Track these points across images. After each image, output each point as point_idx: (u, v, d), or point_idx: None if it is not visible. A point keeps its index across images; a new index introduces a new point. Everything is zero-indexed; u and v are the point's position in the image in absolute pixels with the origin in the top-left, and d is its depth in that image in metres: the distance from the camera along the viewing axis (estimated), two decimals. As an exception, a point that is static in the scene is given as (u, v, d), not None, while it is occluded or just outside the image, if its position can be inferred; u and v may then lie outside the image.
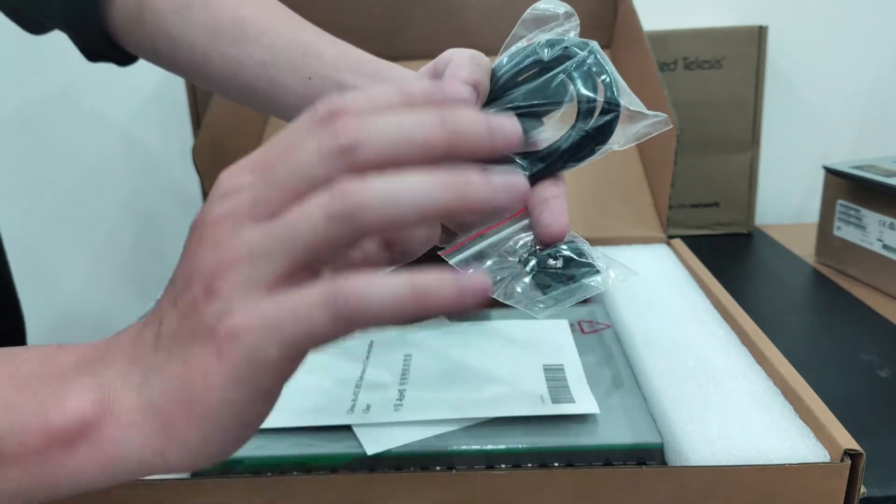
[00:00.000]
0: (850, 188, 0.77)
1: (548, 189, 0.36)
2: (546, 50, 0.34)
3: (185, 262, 0.24)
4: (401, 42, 0.82)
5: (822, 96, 0.99)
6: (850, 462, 0.34)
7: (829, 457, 0.35)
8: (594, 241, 0.65)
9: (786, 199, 1.03)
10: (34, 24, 0.51)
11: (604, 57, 0.34)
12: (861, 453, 0.34)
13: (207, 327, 0.23)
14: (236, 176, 0.24)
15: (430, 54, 0.85)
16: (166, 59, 0.49)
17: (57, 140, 1.02)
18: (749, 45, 0.88)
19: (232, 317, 0.22)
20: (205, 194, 0.73)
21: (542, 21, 0.36)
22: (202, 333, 0.23)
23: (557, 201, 0.36)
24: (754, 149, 0.92)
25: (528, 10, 0.36)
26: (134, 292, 1.08)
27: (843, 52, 0.97)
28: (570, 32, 0.35)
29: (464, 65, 0.35)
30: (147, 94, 1.01)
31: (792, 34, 0.95)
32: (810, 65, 0.97)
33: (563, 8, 0.36)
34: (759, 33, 0.88)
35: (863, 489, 0.35)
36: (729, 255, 0.88)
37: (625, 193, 0.69)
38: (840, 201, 0.79)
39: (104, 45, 0.49)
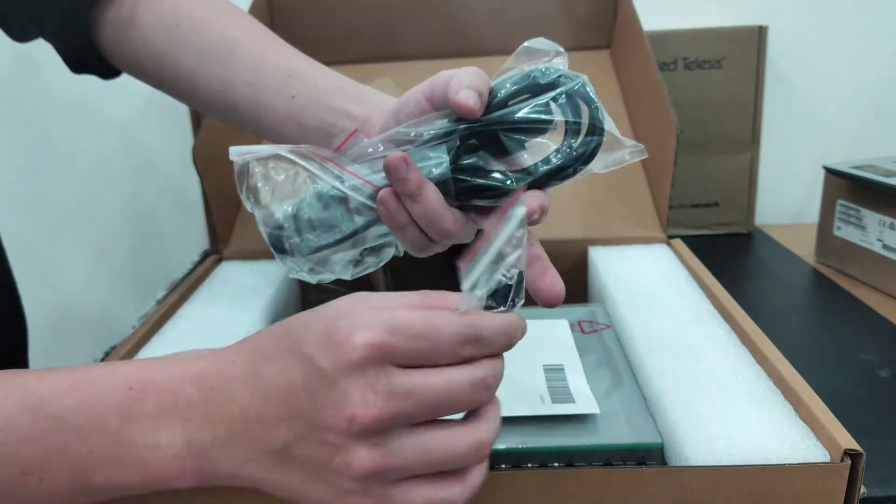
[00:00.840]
0: (850, 188, 0.77)
1: (533, 248, 0.39)
2: (541, 74, 0.37)
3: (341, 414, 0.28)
4: (401, 42, 0.82)
5: (822, 96, 0.98)
6: (850, 462, 0.34)
7: (829, 457, 0.35)
8: (594, 241, 0.65)
9: (786, 199, 1.03)
10: (21, 31, 0.52)
11: (592, 88, 0.37)
12: (861, 453, 0.34)
13: (345, 488, 0.29)
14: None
15: (430, 54, 0.86)
16: (151, 76, 0.49)
17: (57, 140, 1.02)
18: (749, 45, 0.88)
19: (368, 499, 0.29)
20: (205, 194, 0.73)
21: (535, 56, 0.38)
22: (337, 486, 0.29)
23: (542, 263, 0.38)
24: (754, 149, 0.92)
25: (523, 46, 0.38)
26: (134, 292, 1.08)
27: (843, 52, 0.97)
28: (559, 66, 0.38)
29: (468, 75, 0.37)
30: (147, 94, 1.00)
31: (792, 34, 0.95)
32: (810, 65, 0.97)
33: (555, 47, 0.38)
34: (759, 33, 0.88)
35: (863, 489, 0.35)
36: (729, 255, 0.88)
37: (625, 193, 0.69)
38: (840, 201, 0.79)
39: (91, 57, 0.50)
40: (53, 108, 0.99)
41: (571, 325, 0.52)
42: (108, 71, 0.52)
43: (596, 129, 0.36)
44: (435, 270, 0.57)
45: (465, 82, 0.36)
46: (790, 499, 0.35)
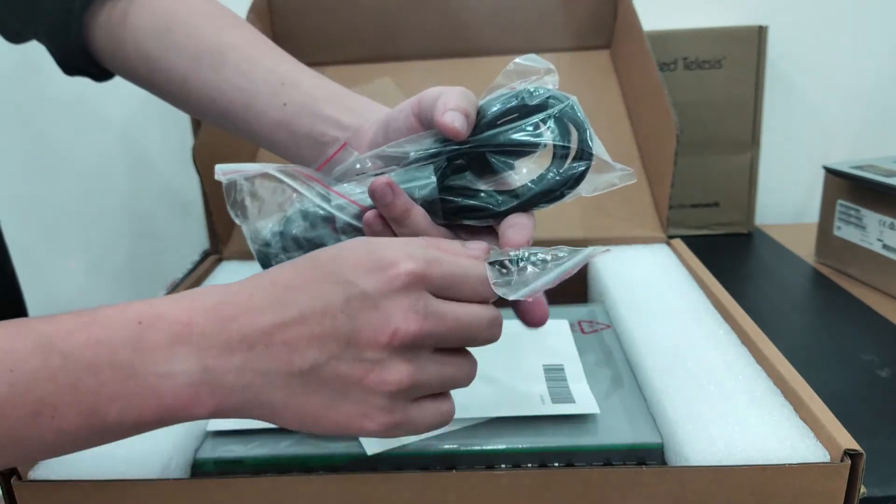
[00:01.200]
0: (850, 188, 0.77)
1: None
2: (529, 96, 0.36)
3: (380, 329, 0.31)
4: (400, 42, 0.82)
5: (822, 96, 0.98)
6: (850, 462, 0.34)
7: (829, 457, 0.35)
8: (594, 241, 0.65)
9: (786, 199, 1.03)
10: (13, 33, 0.52)
11: (582, 110, 0.36)
12: (861, 453, 0.34)
13: (373, 404, 0.31)
14: None
15: (430, 54, 0.86)
16: (144, 79, 0.50)
17: (57, 140, 1.02)
18: (749, 45, 0.88)
19: (392, 415, 0.31)
20: (205, 194, 0.73)
21: (524, 74, 0.37)
22: (365, 402, 0.31)
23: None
24: (754, 149, 0.92)
25: (512, 63, 0.37)
26: (134, 292, 1.08)
27: (843, 52, 0.97)
28: (549, 85, 0.37)
29: (454, 96, 0.37)
30: (147, 95, 1.01)
31: (792, 34, 0.95)
32: (810, 65, 0.97)
33: (545, 65, 0.37)
34: (759, 33, 0.88)
35: (863, 489, 0.35)
36: (729, 255, 0.88)
37: (625, 193, 0.69)
38: (840, 201, 0.79)
39: (83, 60, 0.50)
40: (53, 108, 0.99)
41: (571, 325, 0.52)
42: (101, 73, 0.52)
43: (584, 154, 0.36)
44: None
45: (451, 103, 0.36)
46: (790, 499, 0.35)
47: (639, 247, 0.65)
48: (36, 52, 0.54)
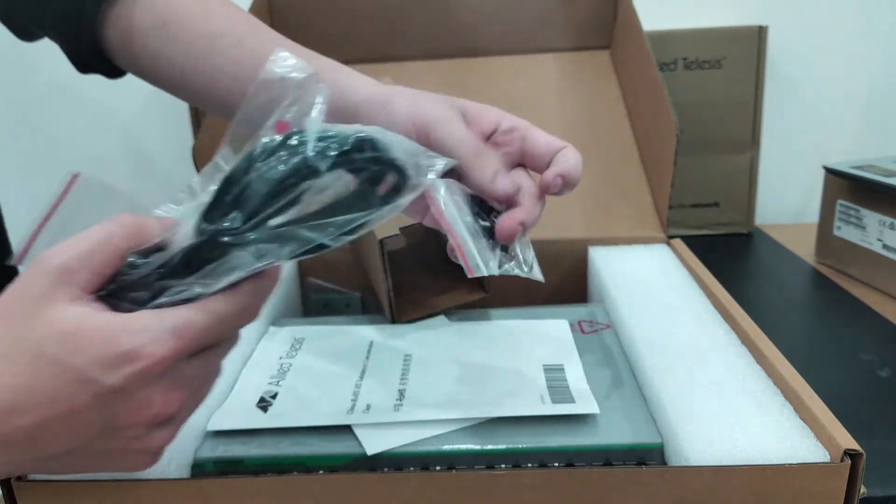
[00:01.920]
0: (850, 188, 0.77)
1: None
2: (320, 155, 0.29)
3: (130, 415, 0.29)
4: (400, 42, 0.82)
5: (822, 96, 0.98)
6: (850, 462, 0.34)
7: (829, 457, 0.35)
8: (594, 241, 0.65)
9: (786, 199, 1.03)
10: (26, 31, 0.52)
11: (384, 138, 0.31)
12: (861, 453, 0.34)
13: (142, 459, 0.32)
14: None
15: (430, 54, 0.86)
16: (150, 75, 0.50)
17: (57, 139, 1.02)
18: (749, 45, 0.88)
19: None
20: (205, 194, 0.73)
21: (281, 87, 0.31)
22: (134, 459, 0.31)
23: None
24: (754, 149, 0.92)
25: (264, 72, 0.31)
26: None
27: (843, 52, 0.97)
28: (316, 107, 0.31)
29: (486, 162, 0.38)
30: (147, 93, 1.01)
31: (792, 34, 0.95)
32: (810, 65, 0.97)
33: (305, 72, 0.31)
34: (759, 33, 0.88)
35: (863, 489, 0.35)
36: (729, 255, 0.88)
37: (625, 193, 0.69)
38: (840, 201, 0.79)
39: (96, 59, 0.50)
40: (54, 107, 0.99)
41: (571, 325, 0.52)
42: (113, 71, 0.52)
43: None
44: (433, 262, 0.57)
45: (489, 171, 0.37)
46: (790, 499, 0.35)
47: (639, 247, 0.65)
48: (36, 52, 0.54)
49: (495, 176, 0.37)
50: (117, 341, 0.28)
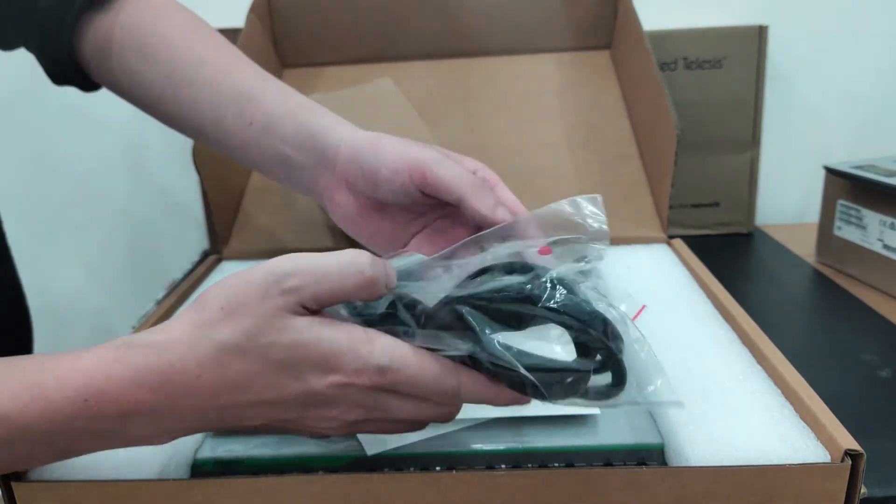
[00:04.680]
0: (851, 188, 0.77)
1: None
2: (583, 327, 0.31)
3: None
4: (400, 42, 0.82)
5: (822, 96, 0.98)
6: (850, 462, 0.34)
7: (829, 457, 0.35)
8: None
9: (786, 199, 1.03)
10: (3, 41, 0.52)
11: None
12: (861, 453, 0.34)
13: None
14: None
15: (431, 54, 0.86)
16: (126, 93, 0.50)
17: (57, 140, 1.02)
18: (749, 45, 0.88)
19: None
20: (205, 194, 0.73)
21: (566, 227, 0.34)
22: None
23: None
24: (754, 149, 0.92)
25: (567, 202, 0.35)
26: (133, 292, 1.08)
27: (843, 52, 0.97)
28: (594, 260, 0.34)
29: (483, 195, 0.40)
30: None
31: (792, 34, 0.95)
32: (810, 65, 0.97)
33: (602, 225, 0.35)
34: (759, 33, 0.88)
35: (863, 489, 0.35)
36: (729, 255, 0.88)
37: (625, 193, 0.69)
38: (840, 201, 0.79)
39: (72, 71, 0.50)
40: (53, 108, 0.99)
41: (571, 325, 0.52)
42: (88, 84, 0.52)
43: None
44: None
45: (488, 202, 0.40)
46: (790, 499, 0.35)
47: (639, 247, 0.65)
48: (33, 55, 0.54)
49: (496, 207, 0.40)
50: (336, 356, 0.31)
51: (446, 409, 0.34)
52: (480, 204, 0.39)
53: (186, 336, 0.31)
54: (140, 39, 0.48)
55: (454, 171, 0.41)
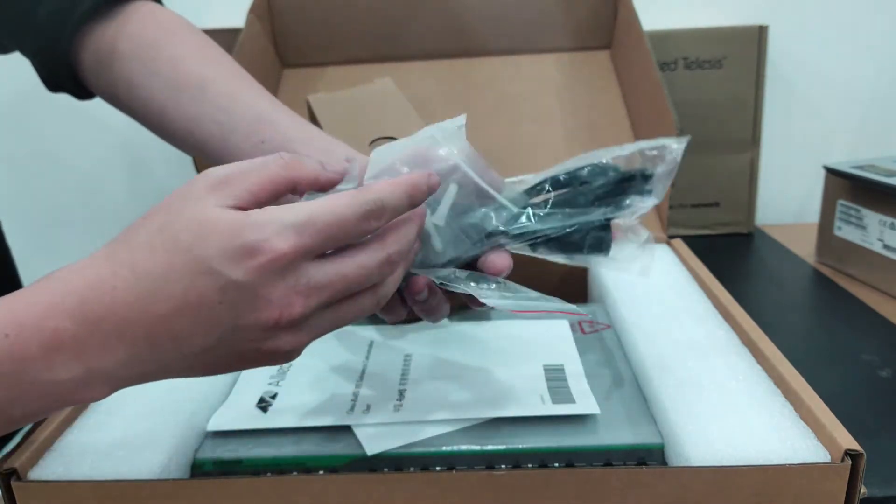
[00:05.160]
0: (851, 188, 0.77)
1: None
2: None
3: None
4: (400, 42, 0.82)
5: (822, 96, 0.98)
6: (850, 462, 0.34)
7: (829, 457, 0.35)
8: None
9: (786, 199, 1.03)
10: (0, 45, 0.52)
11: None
12: (861, 453, 0.34)
13: (275, 357, 0.32)
14: None
15: (431, 54, 0.86)
16: (125, 105, 0.50)
17: (57, 141, 1.02)
18: (749, 45, 0.88)
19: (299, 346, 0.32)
20: (205, 194, 0.73)
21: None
22: (266, 357, 0.32)
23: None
24: (754, 149, 0.92)
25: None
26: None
27: (843, 52, 0.97)
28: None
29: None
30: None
31: (792, 34, 0.95)
32: (810, 65, 0.97)
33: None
34: (760, 33, 0.88)
35: (863, 489, 0.35)
36: (729, 255, 0.88)
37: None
38: (840, 201, 0.79)
39: (67, 80, 0.50)
40: (52, 108, 0.99)
41: (571, 325, 0.52)
42: (83, 92, 0.52)
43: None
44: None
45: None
46: (790, 499, 0.35)
47: (639, 247, 0.64)
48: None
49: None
50: (241, 233, 0.28)
51: (386, 244, 0.32)
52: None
53: (106, 249, 0.30)
54: (145, 53, 0.48)
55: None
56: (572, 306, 0.36)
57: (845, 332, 0.67)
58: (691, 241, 0.64)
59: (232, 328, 0.29)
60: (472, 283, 0.36)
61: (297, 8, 0.82)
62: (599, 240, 0.37)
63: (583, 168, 0.38)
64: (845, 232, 0.78)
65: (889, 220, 0.72)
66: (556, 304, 0.36)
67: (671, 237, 0.65)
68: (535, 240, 0.37)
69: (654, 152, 0.37)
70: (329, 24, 0.82)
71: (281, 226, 0.29)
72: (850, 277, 0.78)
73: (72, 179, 1.04)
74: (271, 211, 0.29)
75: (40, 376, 0.28)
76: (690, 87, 0.89)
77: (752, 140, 0.91)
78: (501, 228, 0.37)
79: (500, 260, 0.38)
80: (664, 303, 0.53)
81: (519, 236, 0.38)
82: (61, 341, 0.28)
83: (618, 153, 0.38)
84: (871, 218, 0.74)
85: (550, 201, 0.38)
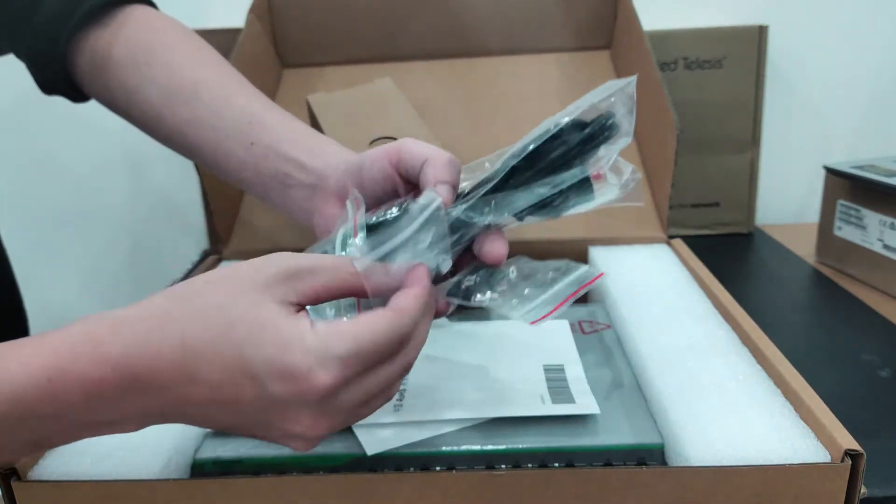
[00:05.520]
0: (851, 188, 0.77)
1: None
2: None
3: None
4: (400, 42, 0.82)
5: (822, 96, 0.98)
6: (850, 462, 0.34)
7: (829, 457, 0.35)
8: (594, 241, 0.65)
9: (786, 199, 1.03)
10: None
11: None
12: (861, 453, 0.34)
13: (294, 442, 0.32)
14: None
15: (431, 54, 0.86)
16: (121, 109, 0.50)
17: (57, 141, 1.02)
18: (749, 45, 0.88)
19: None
20: (205, 194, 0.73)
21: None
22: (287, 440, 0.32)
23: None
24: (754, 149, 0.92)
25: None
26: (133, 293, 1.08)
27: (843, 52, 0.97)
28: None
29: (442, 167, 0.38)
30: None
31: (792, 34, 0.95)
32: (810, 65, 0.97)
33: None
34: (760, 33, 0.88)
35: (863, 489, 0.35)
36: (729, 255, 0.88)
37: (625, 193, 0.69)
38: (840, 201, 0.79)
39: (62, 83, 0.50)
40: (52, 109, 0.99)
41: (571, 325, 0.52)
42: (78, 95, 0.52)
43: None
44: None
45: (440, 175, 0.38)
46: (790, 499, 0.35)
47: (639, 247, 0.65)
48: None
49: (441, 183, 0.39)
50: (290, 352, 0.29)
51: (408, 355, 0.33)
52: (432, 172, 0.39)
53: (157, 308, 0.30)
54: (140, 58, 0.48)
55: (428, 145, 0.41)
56: (584, 267, 0.37)
57: (845, 332, 0.67)
58: (691, 241, 0.64)
59: (255, 423, 0.31)
60: (488, 292, 0.37)
61: (297, 8, 0.82)
62: (584, 190, 0.38)
63: (537, 143, 0.38)
64: (845, 232, 0.78)
65: (889, 220, 0.72)
66: (569, 278, 0.37)
67: (671, 237, 0.65)
68: (521, 212, 0.38)
69: (612, 99, 0.37)
70: (329, 24, 0.82)
71: (328, 357, 0.29)
72: (850, 277, 0.78)
73: (70, 181, 1.04)
74: (323, 335, 0.30)
75: (80, 417, 0.29)
76: (690, 87, 0.89)
77: (752, 140, 0.91)
78: (486, 222, 0.38)
79: (495, 248, 0.38)
80: (664, 303, 0.53)
81: (501, 212, 0.38)
82: (102, 391, 0.29)
83: (573, 112, 0.38)
84: (871, 218, 0.74)
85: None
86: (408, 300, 0.33)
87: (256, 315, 0.29)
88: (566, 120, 0.37)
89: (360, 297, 0.34)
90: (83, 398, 0.29)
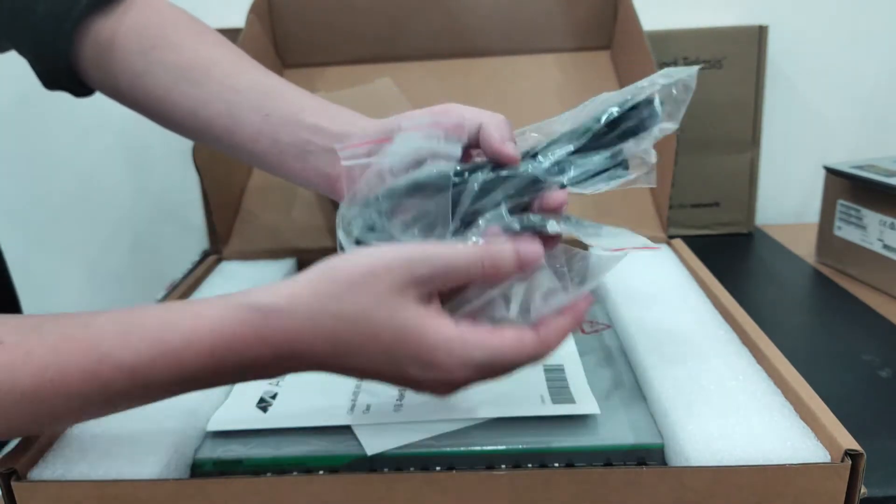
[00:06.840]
0: (851, 188, 0.77)
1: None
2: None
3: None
4: (401, 42, 0.82)
5: (822, 96, 0.98)
6: (850, 462, 0.34)
7: (829, 457, 0.35)
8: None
9: (786, 199, 1.02)
10: None
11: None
12: (861, 453, 0.34)
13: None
14: None
15: (431, 55, 0.86)
16: (127, 96, 0.50)
17: (56, 140, 1.02)
18: (749, 45, 0.88)
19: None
20: (205, 194, 0.73)
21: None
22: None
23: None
24: (754, 149, 0.92)
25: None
26: (133, 293, 1.08)
27: (843, 52, 0.97)
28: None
29: (504, 128, 0.40)
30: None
31: (792, 34, 0.95)
32: (810, 65, 0.97)
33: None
34: (760, 33, 0.88)
35: (863, 489, 0.35)
36: (729, 255, 0.88)
37: (625, 193, 0.69)
38: (840, 201, 0.79)
39: (66, 76, 0.50)
40: (52, 108, 0.99)
41: (571, 325, 0.52)
42: (81, 89, 0.52)
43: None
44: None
45: (507, 134, 0.40)
46: (790, 499, 0.35)
47: (639, 247, 0.64)
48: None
49: (506, 141, 0.40)
50: (434, 352, 0.33)
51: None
52: (496, 132, 0.40)
53: (307, 307, 0.33)
54: (146, 42, 0.48)
55: (473, 108, 0.43)
56: (642, 239, 0.39)
57: (845, 332, 0.67)
58: (691, 241, 0.64)
59: (393, 376, 0.34)
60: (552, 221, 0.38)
61: (297, 8, 0.82)
62: (622, 165, 0.41)
63: (622, 109, 0.40)
64: (845, 232, 0.78)
65: (889, 220, 0.72)
66: (625, 238, 0.39)
67: (671, 237, 0.65)
68: (581, 177, 0.40)
69: (672, 88, 0.40)
70: (329, 24, 0.82)
71: (468, 362, 0.33)
72: (850, 277, 0.78)
73: (70, 181, 1.04)
74: (467, 343, 0.33)
75: (224, 381, 0.35)
76: (690, 87, 0.89)
77: (752, 140, 0.91)
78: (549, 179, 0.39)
79: (555, 195, 0.39)
80: (664, 303, 0.53)
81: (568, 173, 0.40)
82: (256, 366, 0.33)
83: (646, 88, 0.40)
84: (871, 218, 0.74)
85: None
86: (557, 336, 0.35)
87: (402, 321, 0.32)
88: (647, 93, 0.39)
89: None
90: (238, 369, 0.33)
